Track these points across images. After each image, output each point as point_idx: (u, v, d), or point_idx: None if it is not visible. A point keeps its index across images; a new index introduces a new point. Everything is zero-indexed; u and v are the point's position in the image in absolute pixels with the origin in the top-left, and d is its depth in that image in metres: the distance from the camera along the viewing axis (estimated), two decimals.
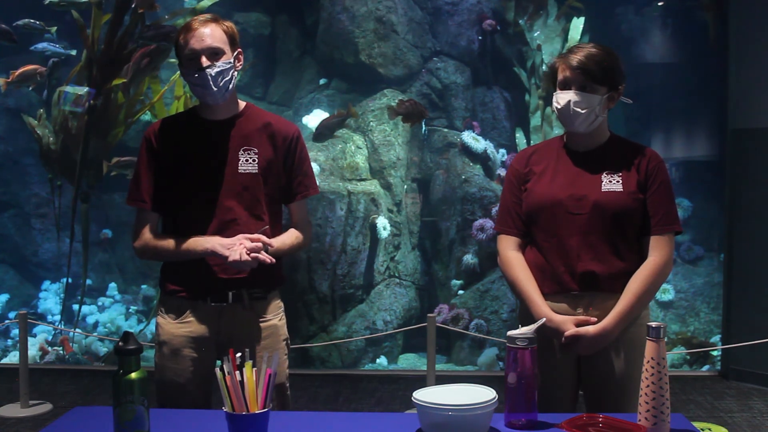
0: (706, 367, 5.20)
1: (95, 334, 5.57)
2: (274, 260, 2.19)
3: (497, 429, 1.77)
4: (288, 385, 2.37)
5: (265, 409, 1.64)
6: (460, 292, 5.47)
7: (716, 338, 5.23)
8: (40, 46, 5.52)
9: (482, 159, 5.57)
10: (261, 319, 2.31)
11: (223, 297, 2.26)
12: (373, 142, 5.54)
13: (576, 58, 2.16)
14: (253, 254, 2.15)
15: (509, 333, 1.81)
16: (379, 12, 5.56)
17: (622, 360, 2.17)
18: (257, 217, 2.27)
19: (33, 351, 5.42)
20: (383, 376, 5.20)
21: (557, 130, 5.37)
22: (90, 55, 5.44)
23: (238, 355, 1.65)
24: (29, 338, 4.92)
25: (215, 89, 2.20)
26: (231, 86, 2.25)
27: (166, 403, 2.26)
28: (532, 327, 1.83)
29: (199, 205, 2.26)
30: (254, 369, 1.65)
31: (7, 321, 5.40)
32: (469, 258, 5.45)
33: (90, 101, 5.43)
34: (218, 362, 1.66)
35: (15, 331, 5.40)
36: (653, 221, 2.18)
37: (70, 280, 5.69)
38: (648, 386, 1.72)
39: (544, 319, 2.03)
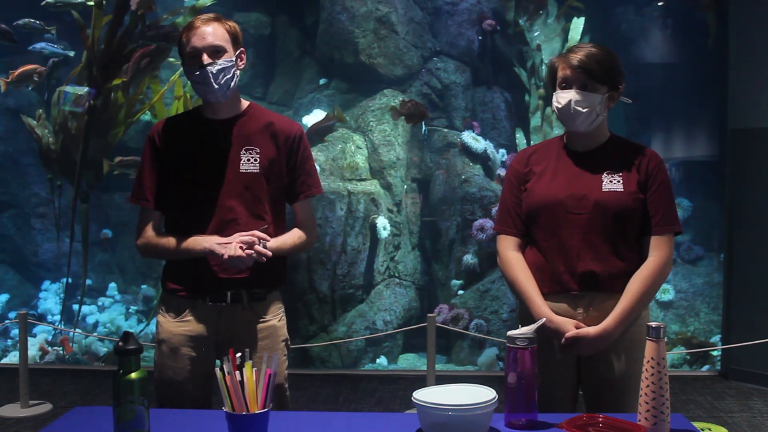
0: (706, 367, 5.20)
1: (95, 334, 5.57)
2: (269, 253, 2.18)
3: (497, 429, 1.77)
4: (287, 386, 2.37)
5: (265, 409, 1.63)
6: (460, 292, 5.47)
7: (716, 338, 5.23)
8: (38, 45, 5.52)
9: (482, 159, 5.57)
10: (260, 320, 2.30)
11: (222, 297, 2.26)
12: (373, 142, 5.54)
13: (576, 58, 2.16)
14: (247, 251, 2.14)
15: (509, 333, 1.81)
16: (379, 12, 5.56)
17: (621, 360, 2.17)
18: (258, 216, 2.27)
19: (33, 351, 5.42)
20: (383, 376, 5.20)
21: (557, 130, 5.37)
22: (90, 55, 5.44)
23: (238, 355, 1.65)
24: (29, 338, 4.92)
25: (216, 87, 2.20)
26: (233, 84, 2.25)
27: (165, 402, 2.26)
28: (532, 327, 1.83)
29: (201, 204, 2.26)
30: (254, 369, 1.65)
31: (7, 321, 5.40)
32: (469, 258, 5.45)
33: (90, 101, 5.44)
34: (217, 362, 1.66)
35: (15, 331, 5.40)
36: (653, 221, 2.18)
37: (70, 280, 5.69)
38: (648, 386, 1.72)
39: (544, 319, 2.03)
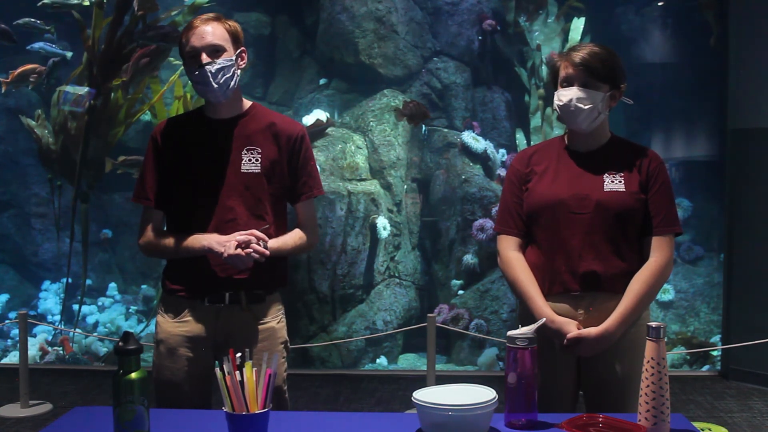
0: (706, 367, 5.20)
1: (95, 334, 5.57)
2: (267, 252, 2.18)
3: (497, 429, 1.77)
4: (286, 388, 2.36)
5: (265, 409, 1.63)
6: (460, 292, 5.47)
7: (716, 338, 5.23)
8: (36, 45, 5.52)
9: (482, 159, 5.57)
10: (259, 322, 2.29)
11: (220, 297, 2.25)
12: (373, 142, 5.54)
13: (579, 56, 2.16)
14: (246, 250, 2.14)
15: (509, 333, 1.81)
16: (379, 12, 5.56)
17: (621, 361, 2.17)
18: (259, 217, 2.27)
19: (33, 351, 5.42)
20: (383, 376, 5.20)
21: (557, 131, 5.37)
22: (90, 55, 5.44)
23: (238, 355, 1.65)
24: (29, 338, 4.92)
25: (215, 86, 2.20)
26: (233, 84, 2.24)
27: (163, 402, 2.26)
28: (532, 327, 1.83)
29: (201, 203, 2.26)
30: (254, 369, 1.65)
31: (7, 321, 5.40)
32: (469, 258, 5.45)
33: (90, 101, 5.44)
34: (216, 363, 1.66)
35: (15, 331, 5.40)
36: (655, 222, 2.18)
37: (70, 280, 5.69)
38: (648, 386, 1.72)
39: (545, 319, 2.03)
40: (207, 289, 2.25)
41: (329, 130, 5.62)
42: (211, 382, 2.29)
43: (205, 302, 2.26)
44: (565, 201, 2.19)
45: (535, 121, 5.54)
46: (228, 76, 2.22)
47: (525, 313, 2.22)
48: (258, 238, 2.18)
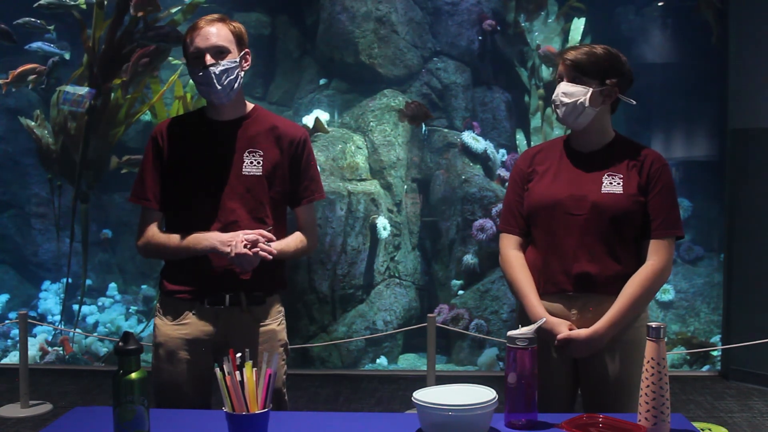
0: (706, 367, 5.20)
1: (95, 334, 5.56)
2: (275, 251, 2.17)
3: (497, 429, 1.77)
4: (285, 390, 2.35)
5: (265, 410, 1.63)
6: (460, 292, 5.47)
7: (716, 338, 5.23)
8: (34, 45, 5.51)
9: (482, 159, 5.57)
10: (259, 324, 2.28)
11: (220, 299, 2.24)
12: (373, 142, 5.54)
13: (571, 53, 2.19)
14: (253, 249, 2.13)
15: (509, 333, 1.81)
16: (379, 12, 5.56)
17: (617, 361, 2.17)
18: (260, 219, 2.26)
19: (33, 351, 5.42)
20: (383, 376, 5.20)
21: (557, 131, 5.37)
22: (89, 56, 5.44)
23: (238, 355, 1.65)
24: (29, 338, 4.92)
25: (219, 88, 2.19)
26: (236, 85, 2.23)
27: (163, 404, 2.25)
28: (532, 327, 1.83)
29: (202, 205, 2.25)
30: (254, 369, 1.65)
31: (7, 321, 5.40)
32: (469, 258, 5.45)
33: (90, 101, 5.44)
34: (215, 365, 1.65)
35: (15, 331, 5.40)
36: (653, 225, 2.16)
37: (70, 281, 5.69)
38: (648, 386, 1.72)
39: (544, 319, 2.03)
40: (207, 291, 2.24)
41: (329, 130, 5.61)
42: (211, 383, 2.29)
43: (205, 304, 2.25)
44: (562, 202, 2.19)
45: (535, 121, 5.54)
46: (232, 77, 2.21)
47: (523, 313, 2.23)
48: (265, 238, 2.17)
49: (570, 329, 2.14)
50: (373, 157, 5.56)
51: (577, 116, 2.18)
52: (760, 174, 4.78)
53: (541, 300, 2.20)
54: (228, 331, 2.26)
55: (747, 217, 4.87)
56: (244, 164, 2.25)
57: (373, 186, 5.50)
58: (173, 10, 5.46)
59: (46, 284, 5.79)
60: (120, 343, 1.60)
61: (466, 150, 5.54)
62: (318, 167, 2.46)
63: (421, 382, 3.91)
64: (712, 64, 5.22)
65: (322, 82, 5.74)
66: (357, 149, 5.55)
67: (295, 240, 2.33)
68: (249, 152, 2.26)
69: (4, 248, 5.83)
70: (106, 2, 5.36)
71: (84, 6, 5.38)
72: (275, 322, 2.33)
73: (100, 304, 5.76)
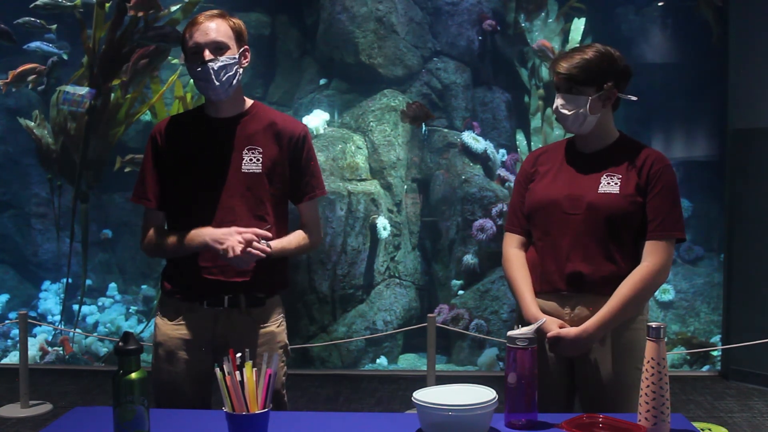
0: (706, 367, 5.20)
1: (95, 334, 5.57)
2: (269, 249, 2.16)
3: (497, 429, 1.77)
4: (284, 392, 2.34)
5: (265, 410, 1.63)
6: (460, 292, 5.47)
7: (716, 338, 5.23)
8: (33, 45, 5.51)
9: (482, 159, 5.57)
10: (258, 325, 2.27)
11: (219, 300, 2.23)
12: (373, 143, 5.54)
13: (562, 65, 2.18)
14: (248, 249, 2.11)
15: (509, 333, 1.81)
16: (379, 12, 5.56)
17: (614, 362, 2.16)
18: (260, 217, 2.24)
19: (33, 351, 5.42)
20: (383, 376, 5.20)
21: (558, 131, 5.37)
22: (89, 56, 5.44)
23: (238, 355, 1.65)
24: (29, 338, 4.92)
25: (217, 84, 2.18)
26: (235, 82, 2.22)
27: (162, 404, 2.24)
28: (532, 327, 1.83)
29: (202, 203, 2.24)
30: (254, 369, 1.65)
31: (7, 321, 5.40)
32: (469, 258, 5.45)
33: (90, 101, 5.44)
34: (215, 365, 1.65)
35: (15, 331, 5.40)
36: (650, 226, 2.15)
37: (70, 280, 5.69)
38: (648, 386, 1.72)
39: (544, 320, 2.03)
40: (205, 292, 2.23)
41: (329, 130, 5.62)
42: (210, 383, 2.28)
43: (204, 305, 2.24)
44: (559, 202, 2.19)
45: (536, 121, 5.54)
46: (230, 74, 2.20)
47: (520, 312, 2.25)
48: (260, 237, 2.15)
49: (561, 327, 2.14)
50: (373, 157, 5.56)
51: (580, 125, 2.18)
52: (760, 174, 4.78)
53: (536, 298, 2.21)
54: (227, 332, 2.24)
55: (747, 217, 4.87)
56: (244, 161, 2.24)
57: (373, 186, 5.50)
58: (173, 8, 5.46)
59: (46, 284, 5.80)
60: (120, 343, 1.60)
61: (466, 150, 5.54)
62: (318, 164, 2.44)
63: (421, 382, 3.91)
64: (712, 64, 5.22)
65: (322, 82, 5.74)
66: (357, 149, 5.55)
67: (297, 237, 2.31)
68: (248, 149, 2.25)
69: (4, 248, 5.83)
70: (108, 4, 5.35)
71: (81, 8, 5.38)
72: (275, 324, 2.31)
73: (100, 304, 5.76)
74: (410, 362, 5.43)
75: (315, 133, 5.56)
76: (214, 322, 2.25)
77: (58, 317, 5.71)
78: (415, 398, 1.73)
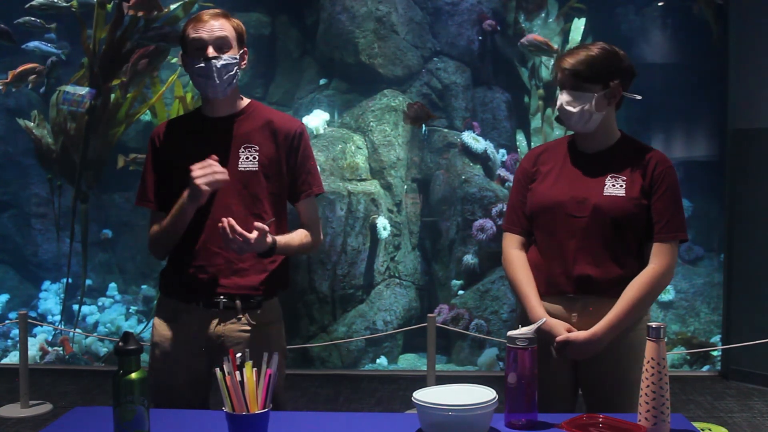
0: (706, 368, 5.20)
1: (95, 334, 5.57)
2: (266, 228, 2.10)
3: (497, 429, 1.77)
4: (282, 394, 2.33)
5: (265, 410, 1.63)
6: (460, 292, 5.47)
7: (716, 338, 5.23)
8: (31, 44, 5.51)
9: (482, 159, 5.57)
10: (255, 327, 2.25)
11: (215, 302, 2.22)
12: (373, 142, 5.54)
13: (568, 61, 2.17)
14: (233, 226, 2.06)
15: (509, 333, 1.81)
16: (379, 12, 5.56)
17: (618, 363, 2.16)
18: (257, 216, 2.22)
19: (33, 351, 5.42)
20: (383, 376, 5.20)
21: (558, 131, 5.37)
22: (88, 56, 5.44)
23: (238, 355, 1.64)
24: (29, 338, 4.92)
25: (218, 82, 2.18)
26: (234, 81, 2.23)
27: (159, 405, 2.22)
28: (532, 327, 1.83)
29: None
30: (254, 369, 1.65)
31: (7, 321, 5.40)
32: (469, 258, 5.45)
33: (90, 101, 5.44)
34: (215, 366, 1.65)
35: (15, 331, 5.40)
36: (656, 228, 2.15)
37: (70, 281, 5.69)
38: (648, 386, 1.72)
39: (545, 320, 2.03)
40: (202, 293, 2.23)
41: (329, 130, 5.62)
42: (208, 384, 2.28)
43: (201, 306, 2.23)
44: (564, 204, 2.18)
45: (536, 122, 5.54)
46: (231, 73, 2.20)
47: (524, 314, 2.22)
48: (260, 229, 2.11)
49: (568, 331, 2.14)
50: (373, 157, 5.56)
51: (585, 123, 2.17)
52: (760, 174, 4.78)
53: (542, 301, 2.19)
54: (223, 333, 2.23)
55: (747, 217, 4.87)
56: (240, 160, 2.23)
57: (373, 186, 5.50)
58: (173, 6, 5.45)
59: (46, 284, 5.80)
60: (120, 343, 1.60)
61: (466, 150, 5.54)
62: (317, 162, 2.43)
63: (421, 382, 3.91)
64: (712, 64, 5.22)
65: (322, 82, 5.74)
66: (357, 149, 5.55)
67: (299, 235, 2.30)
68: (244, 148, 2.25)
69: (4, 248, 5.83)
70: (110, 5, 5.35)
71: (77, 8, 5.37)
72: (272, 326, 2.30)
73: (100, 304, 5.76)
74: (410, 362, 5.43)
75: (315, 133, 5.56)
76: (211, 324, 2.24)
77: (58, 317, 5.71)
78: (415, 398, 1.73)
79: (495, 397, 1.71)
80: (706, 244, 5.41)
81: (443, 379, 4.62)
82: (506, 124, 5.64)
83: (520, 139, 5.60)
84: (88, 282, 5.73)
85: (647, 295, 2.13)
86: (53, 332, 5.58)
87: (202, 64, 2.17)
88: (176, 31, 5.28)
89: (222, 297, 2.22)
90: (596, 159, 2.22)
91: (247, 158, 2.24)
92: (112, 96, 5.49)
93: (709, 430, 3.99)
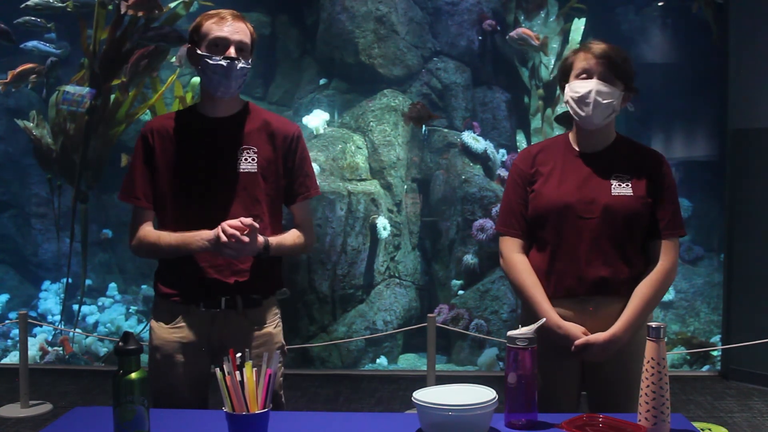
0: (706, 367, 5.20)
1: (95, 334, 5.57)
2: (256, 224, 2.10)
3: (497, 429, 1.77)
4: (282, 392, 2.33)
5: (265, 410, 1.63)
6: (460, 292, 5.47)
7: (716, 338, 5.23)
8: (30, 44, 5.51)
9: (482, 159, 5.57)
10: (255, 327, 2.26)
11: (216, 303, 2.21)
12: (373, 142, 5.55)
13: (600, 48, 2.14)
14: (231, 231, 2.06)
15: (509, 333, 1.81)
16: (379, 12, 5.57)
17: (625, 362, 2.16)
18: (255, 217, 2.20)
19: (33, 351, 5.42)
20: (383, 376, 5.20)
21: (558, 131, 5.37)
22: (88, 56, 5.44)
23: (238, 355, 1.64)
24: (29, 338, 4.92)
25: (232, 83, 2.18)
26: (242, 85, 2.23)
27: (160, 406, 2.23)
28: (532, 327, 1.83)
29: (196, 203, 2.21)
30: (254, 369, 1.65)
31: (7, 321, 5.40)
32: (469, 258, 5.45)
33: (90, 101, 5.44)
34: (215, 366, 1.64)
35: (15, 331, 5.40)
36: (662, 225, 2.16)
37: (70, 280, 5.69)
38: (648, 386, 1.72)
39: (545, 319, 2.03)
40: (201, 294, 2.22)
41: (329, 130, 5.62)
42: (207, 385, 2.28)
43: (201, 307, 2.22)
44: (573, 205, 2.16)
45: (536, 122, 5.54)
46: (244, 78, 2.20)
47: (528, 317, 2.18)
48: (247, 225, 2.09)
49: (585, 334, 2.13)
50: (373, 157, 5.56)
51: (605, 118, 2.15)
52: (760, 174, 4.78)
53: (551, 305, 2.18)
54: (224, 334, 2.23)
55: (747, 217, 4.87)
56: (239, 161, 2.23)
57: (373, 186, 5.50)
58: (173, 4, 5.45)
59: (46, 284, 5.80)
60: (120, 343, 1.60)
61: (466, 150, 5.55)
62: (318, 165, 2.43)
63: (421, 382, 3.91)
64: (712, 64, 5.22)
65: (322, 82, 5.74)
66: (357, 149, 5.55)
67: (292, 236, 2.30)
68: (243, 149, 2.24)
69: (4, 248, 5.83)
70: (110, 6, 5.35)
71: (74, 8, 5.37)
72: (271, 325, 2.30)
73: (100, 304, 5.76)
74: (410, 362, 5.43)
75: (315, 133, 5.56)
76: (211, 324, 2.23)
77: (58, 317, 5.71)
78: (415, 398, 1.73)
79: (495, 397, 1.71)
80: (706, 244, 5.41)
81: (443, 379, 4.62)
82: (506, 124, 5.64)
83: (520, 139, 5.60)
84: (88, 282, 5.73)
85: (659, 291, 2.15)
86: (53, 332, 5.58)
87: (223, 63, 2.15)
88: (176, 31, 5.27)
89: (223, 297, 2.22)
90: (597, 159, 2.21)
91: (246, 160, 2.23)
92: (112, 96, 5.49)
93: (709, 430, 3.99)
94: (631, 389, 2.13)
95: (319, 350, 5.34)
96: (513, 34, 5.38)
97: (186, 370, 2.23)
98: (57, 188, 5.63)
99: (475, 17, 5.61)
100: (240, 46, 2.18)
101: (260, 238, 2.15)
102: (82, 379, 5.12)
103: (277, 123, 2.32)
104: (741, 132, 4.92)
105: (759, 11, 4.83)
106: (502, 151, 5.62)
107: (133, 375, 1.58)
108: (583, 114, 2.14)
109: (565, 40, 5.47)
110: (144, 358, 1.73)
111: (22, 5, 5.36)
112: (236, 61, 2.15)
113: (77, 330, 5.56)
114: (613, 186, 2.16)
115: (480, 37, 5.64)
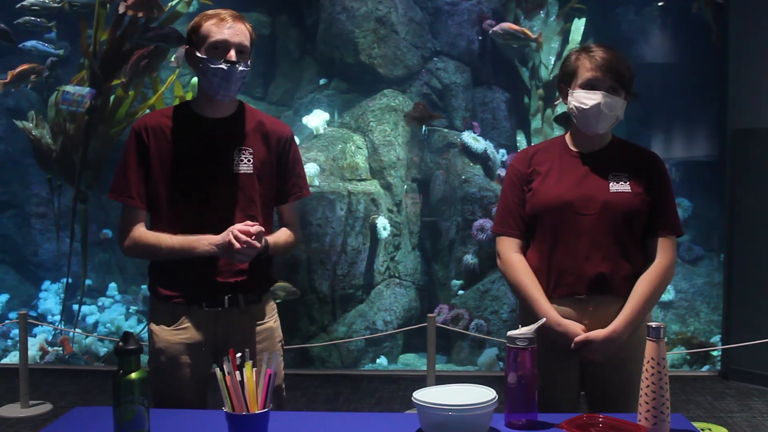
0: (706, 367, 5.20)
1: (95, 334, 5.57)
2: (263, 230, 2.13)
3: (497, 429, 1.77)
4: (284, 386, 2.35)
5: (265, 410, 1.63)
6: (460, 292, 5.47)
7: (716, 338, 5.23)
8: (29, 44, 5.51)
9: (482, 159, 5.58)
10: (257, 323, 2.28)
11: (219, 302, 2.21)
12: (373, 142, 5.55)
13: (604, 59, 2.13)
14: (245, 239, 2.08)
15: (509, 333, 1.81)
16: (379, 12, 5.56)
17: (624, 362, 2.16)
18: (251, 217, 2.22)
19: (33, 351, 5.42)
20: (383, 376, 5.20)
21: (558, 131, 5.37)
22: (88, 56, 5.44)
23: (239, 355, 1.65)
24: (29, 338, 4.92)
25: (232, 86, 2.17)
26: (241, 87, 2.22)
27: (161, 407, 2.23)
28: (532, 327, 1.83)
29: (192, 203, 2.20)
30: (254, 369, 1.65)
31: (7, 321, 5.40)
32: (469, 258, 5.45)
33: (90, 101, 5.44)
34: (215, 365, 1.65)
35: (15, 331, 5.40)
36: (660, 223, 2.17)
37: (70, 280, 5.69)
38: (648, 386, 1.72)
39: (544, 319, 2.03)
40: (203, 294, 2.22)
41: (329, 130, 5.62)
42: (207, 385, 2.28)
43: (203, 307, 2.21)
44: (571, 202, 2.16)
45: (536, 122, 5.54)
46: (243, 80, 2.19)
47: (527, 316, 2.18)
48: (254, 232, 2.11)
49: (584, 331, 2.13)
50: (373, 157, 5.56)
51: (609, 126, 2.18)
52: (760, 174, 4.78)
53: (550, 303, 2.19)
54: (228, 332, 2.24)
55: (747, 217, 4.87)
56: (235, 162, 2.22)
57: (373, 186, 5.50)
58: (173, 3, 5.45)
59: (46, 284, 5.80)
60: (120, 343, 1.60)
61: (466, 150, 5.55)
62: (312, 164, 2.46)
63: (421, 382, 3.91)
64: (712, 64, 5.22)
65: (322, 82, 5.74)
66: (357, 149, 5.55)
67: (284, 234, 2.33)
68: (239, 150, 2.23)
69: (4, 248, 5.83)
70: (110, 5, 5.35)
71: (67, 9, 5.37)
72: (272, 320, 2.33)
73: (100, 304, 5.76)
74: (410, 362, 5.43)
75: (315, 133, 5.56)
76: (215, 324, 2.24)
77: (58, 317, 5.71)
78: (415, 398, 1.73)
79: (495, 397, 1.71)
80: (706, 244, 5.41)
81: (443, 379, 4.62)
82: (506, 124, 5.65)
83: (520, 139, 5.60)
84: (88, 282, 5.73)
85: (658, 289, 2.15)
86: (53, 332, 5.58)
87: (224, 66, 2.13)
88: (176, 31, 5.28)
89: (225, 296, 2.22)
90: (594, 158, 2.22)
91: (242, 161, 2.23)
92: (112, 96, 5.49)
93: (709, 430, 3.99)
94: (630, 389, 2.13)
95: (319, 350, 5.34)
96: (497, 28, 5.35)
97: (190, 370, 2.23)
98: (57, 188, 5.63)
99: (475, 17, 5.61)
100: (240, 49, 2.16)
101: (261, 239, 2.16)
102: (82, 379, 5.12)
103: (271, 124, 2.32)
104: (741, 132, 4.92)
105: (759, 11, 4.83)
106: (502, 151, 5.62)
107: (133, 375, 1.59)
108: (589, 126, 2.16)
109: (565, 40, 5.47)
110: (143, 358, 1.73)
111: (18, 5, 5.35)
112: (237, 65, 2.15)
113: (77, 330, 5.56)
114: (611, 184, 2.17)
115: (480, 37, 5.64)
